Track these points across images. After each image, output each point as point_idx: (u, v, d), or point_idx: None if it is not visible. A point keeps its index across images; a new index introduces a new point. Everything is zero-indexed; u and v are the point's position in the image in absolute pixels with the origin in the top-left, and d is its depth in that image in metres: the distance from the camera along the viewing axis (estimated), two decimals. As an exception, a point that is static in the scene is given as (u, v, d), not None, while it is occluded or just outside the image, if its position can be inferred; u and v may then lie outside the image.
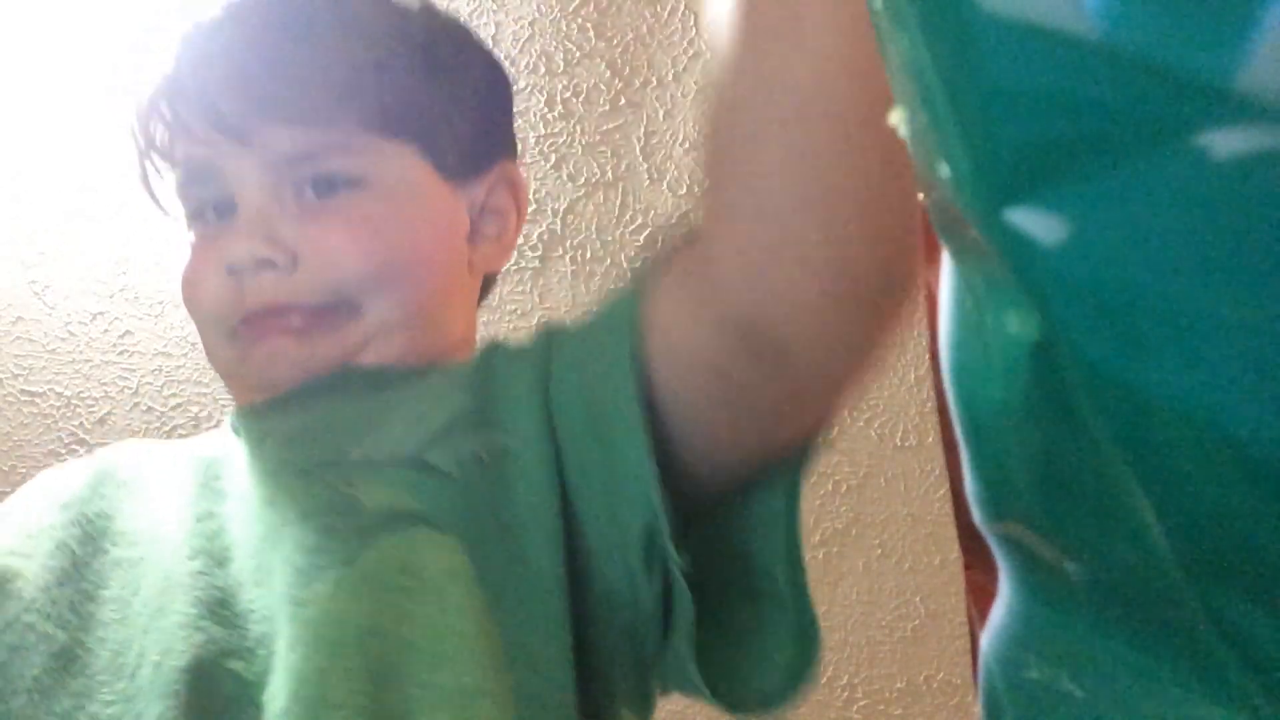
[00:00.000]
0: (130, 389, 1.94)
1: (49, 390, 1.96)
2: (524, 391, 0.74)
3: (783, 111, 0.63)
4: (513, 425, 0.74)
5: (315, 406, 0.83)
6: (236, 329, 0.86)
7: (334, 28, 0.86)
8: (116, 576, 0.76)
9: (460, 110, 0.90)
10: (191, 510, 0.79)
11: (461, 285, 0.92)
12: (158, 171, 0.91)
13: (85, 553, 0.79)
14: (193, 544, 0.76)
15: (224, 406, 1.92)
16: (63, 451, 1.95)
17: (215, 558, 0.75)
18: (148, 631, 0.71)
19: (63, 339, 1.96)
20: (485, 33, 1.92)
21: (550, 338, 0.78)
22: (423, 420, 0.76)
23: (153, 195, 0.93)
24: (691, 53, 1.89)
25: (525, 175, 0.98)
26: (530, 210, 1.91)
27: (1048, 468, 0.43)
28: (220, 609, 0.70)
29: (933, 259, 0.47)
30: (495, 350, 0.80)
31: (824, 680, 1.85)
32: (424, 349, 0.87)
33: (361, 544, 0.70)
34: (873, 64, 0.44)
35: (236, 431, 0.86)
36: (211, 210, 0.88)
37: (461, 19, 0.99)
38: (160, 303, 1.95)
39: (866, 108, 0.59)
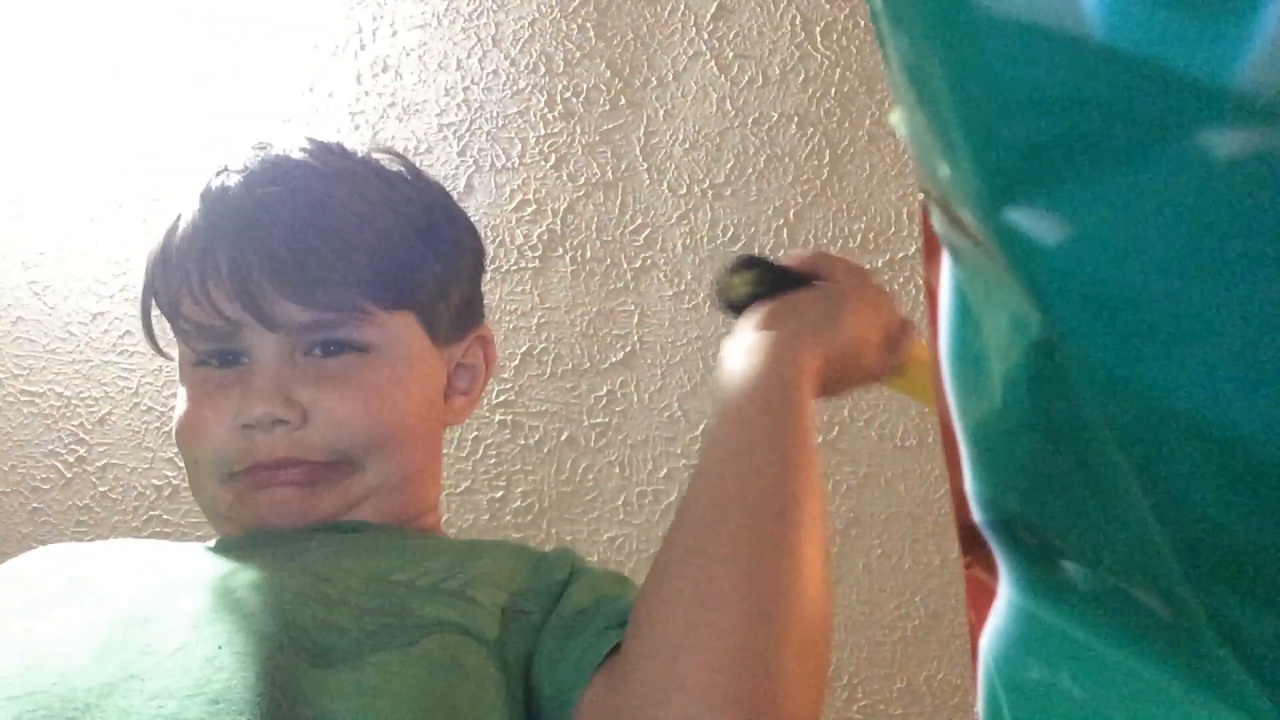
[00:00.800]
0: (130, 389, 1.94)
1: (49, 390, 1.96)
2: (543, 597, 0.86)
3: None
4: (533, 605, 0.84)
5: (330, 542, 0.89)
6: (238, 474, 0.92)
7: (348, 212, 0.92)
8: None
9: (454, 281, 0.97)
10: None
11: (438, 441, 0.99)
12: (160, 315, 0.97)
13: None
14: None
15: (224, 406, 1.93)
16: (63, 451, 1.95)
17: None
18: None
19: (63, 339, 1.96)
20: (485, 33, 1.93)
21: (570, 583, 0.89)
22: (466, 565, 0.84)
23: (152, 337, 0.98)
24: (691, 53, 1.89)
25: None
26: (530, 210, 1.91)
27: (1048, 467, 0.43)
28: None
29: (933, 259, 0.47)
30: (539, 556, 0.90)
31: (824, 680, 1.86)
32: (412, 505, 0.95)
33: (420, 635, 0.79)
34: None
35: (222, 552, 0.91)
36: (215, 358, 0.93)
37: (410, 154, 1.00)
38: (160, 303, 1.95)
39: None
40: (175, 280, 0.93)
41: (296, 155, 0.94)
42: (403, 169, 0.99)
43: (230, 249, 0.90)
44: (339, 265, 0.90)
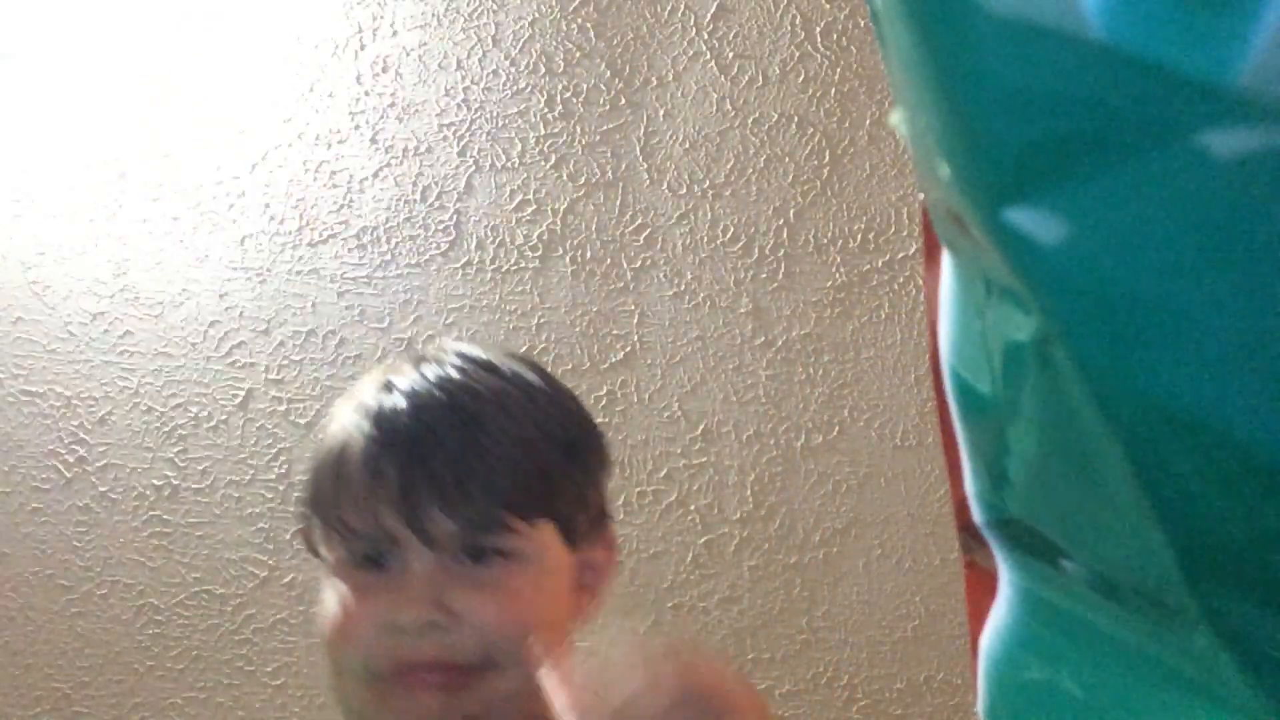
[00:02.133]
0: (130, 389, 1.94)
1: (49, 390, 1.96)
2: None
3: None
4: None
5: None
6: (383, 675, 0.96)
7: (501, 433, 0.98)
8: None
9: (590, 489, 1.03)
10: None
11: (567, 640, 1.03)
12: (315, 521, 1.01)
13: None
14: None
15: (223, 406, 1.93)
16: (63, 451, 1.95)
17: None
18: None
19: (63, 339, 1.96)
20: (485, 33, 1.93)
21: None
22: None
23: (309, 536, 1.01)
24: (691, 53, 1.89)
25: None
26: (530, 210, 1.91)
27: (1047, 467, 0.43)
28: None
29: (933, 259, 0.47)
30: None
31: (824, 680, 1.86)
32: (542, 706, 0.97)
33: None
34: None
35: None
36: (364, 559, 0.97)
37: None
38: (160, 303, 1.95)
39: None
40: (342, 490, 0.98)
41: (456, 375, 1.00)
42: (543, 382, 1.05)
43: (399, 471, 0.96)
44: (492, 483, 0.96)
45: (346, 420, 1.00)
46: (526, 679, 0.95)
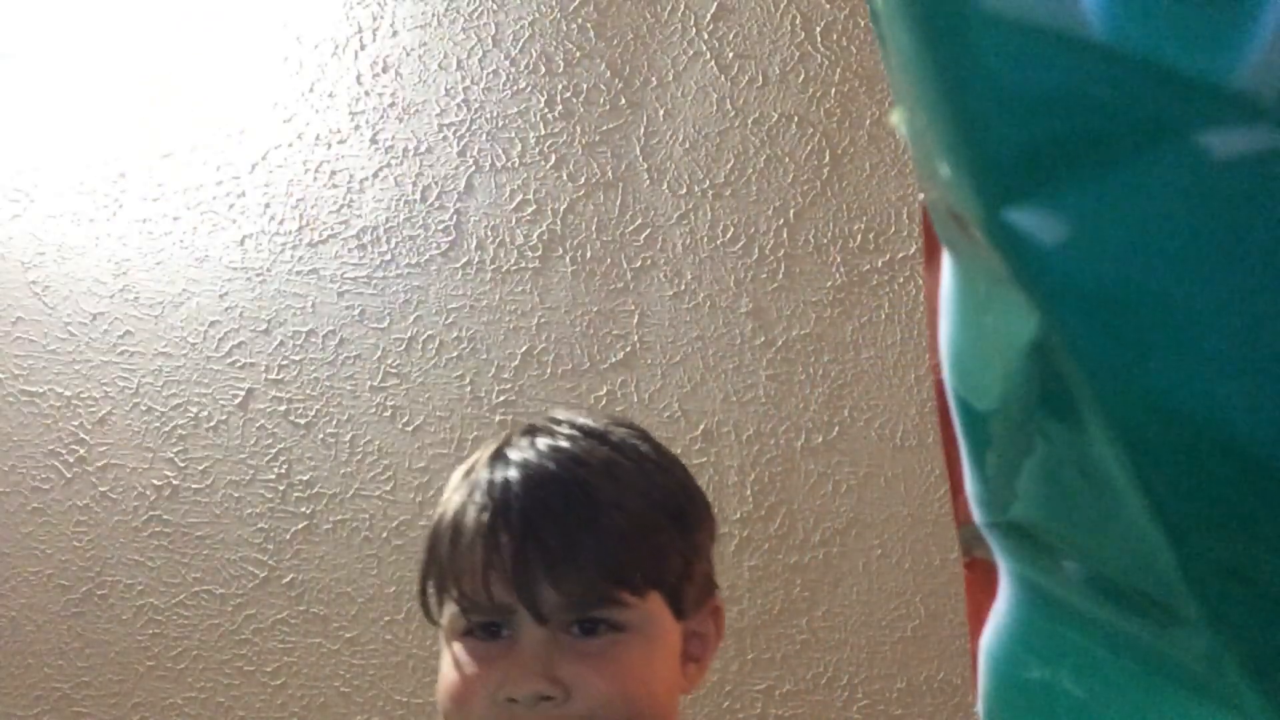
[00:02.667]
0: (130, 389, 1.94)
1: (49, 390, 1.96)
2: None
3: None
4: None
5: None
6: None
7: (611, 506, 1.00)
8: None
9: (697, 559, 1.05)
10: None
11: (675, 712, 1.05)
12: (434, 588, 1.04)
13: None
14: None
15: (223, 406, 1.93)
16: (63, 451, 1.95)
17: None
18: None
19: (63, 339, 1.96)
20: (485, 33, 1.93)
21: None
22: None
23: (427, 607, 1.04)
24: (691, 53, 1.89)
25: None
26: (530, 210, 1.91)
27: (1047, 467, 0.43)
28: None
29: (933, 259, 0.47)
30: None
31: (824, 680, 1.86)
32: None
33: None
34: None
35: None
36: (482, 630, 1.00)
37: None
38: (160, 303, 1.95)
39: None
40: (457, 562, 1.00)
41: (566, 445, 1.02)
42: (651, 450, 1.06)
43: (512, 544, 0.98)
44: (602, 556, 0.99)
45: (461, 492, 1.03)
46: None
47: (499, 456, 1.02)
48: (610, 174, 1.90)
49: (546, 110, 1.91)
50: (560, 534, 0.99)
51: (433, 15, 1.93)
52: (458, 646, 1.01)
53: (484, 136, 1.91)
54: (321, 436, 1.91)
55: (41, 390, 1.96)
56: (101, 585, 1.93)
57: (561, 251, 1.90)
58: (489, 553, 0.99)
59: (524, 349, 1.90)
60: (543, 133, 1.91)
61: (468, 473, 1.03)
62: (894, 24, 0.41)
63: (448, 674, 1.01)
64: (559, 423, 1.05)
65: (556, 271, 1.90)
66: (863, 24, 1.86)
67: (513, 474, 1.01)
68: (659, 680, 1.01)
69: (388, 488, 1.90)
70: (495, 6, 1.92)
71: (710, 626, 1.08)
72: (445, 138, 1.92)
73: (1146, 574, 0.41)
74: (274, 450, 1.92)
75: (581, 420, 1.06)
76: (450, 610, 1.01)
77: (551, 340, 1.90)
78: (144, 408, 1.94)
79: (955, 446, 0.48)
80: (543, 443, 1.03)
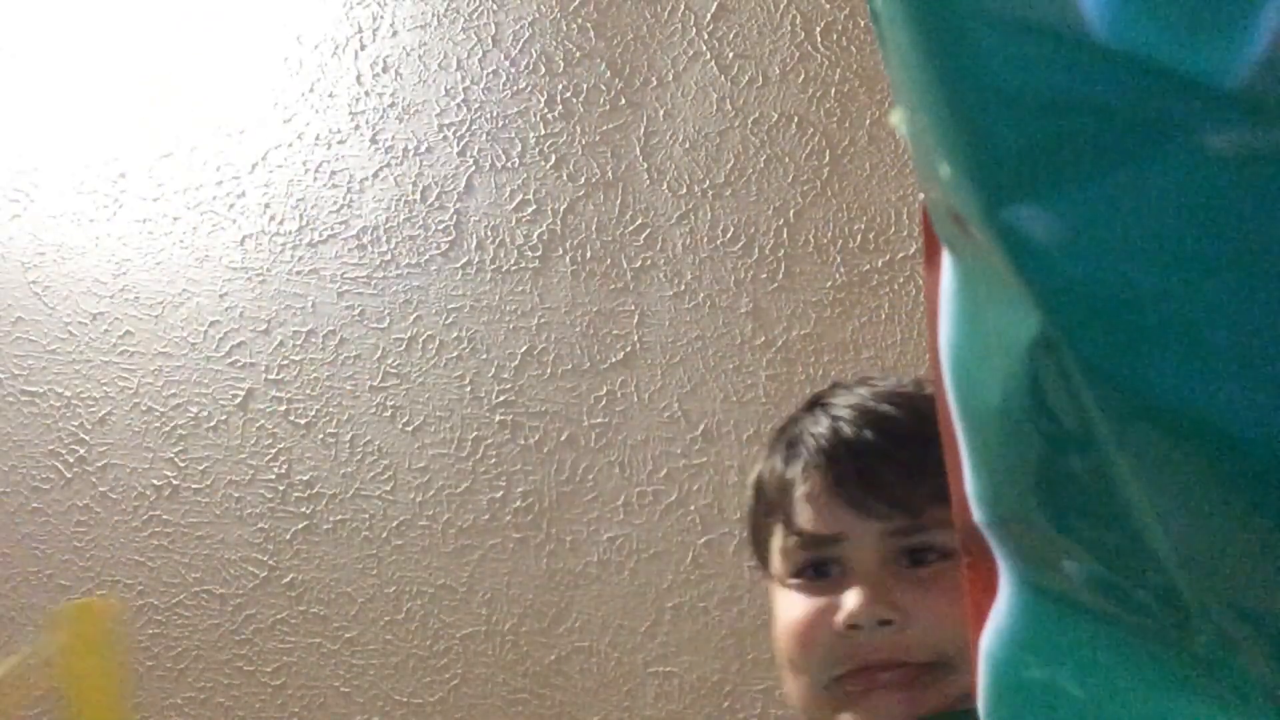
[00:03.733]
0: (130, 389, 1.94)
1: (49, 390, 1.96)
2: None
3: None
4: None
5: None
6: (840, 679, 1.00)
7: (922, 440, 1.02)
8: None
9: None
10: None
11: None
12: (768, 529, 1.07)
13: None
14: None
15: (223, 406, 1.92)
16: (63, 451, 1.95)
17: None
18: None
19: (63, 339, 1.96)
20: (485, 33, 1.92)
21: None
22: None
23: (760, 551, 1.08)
24: (691, 53, 1.89)
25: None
26: (530, 210, 1.91)
27: (1048, 467, 0.43)
28: None
29: (933, 259, 0.47)
30: None
31: (824, 680, 1.86)
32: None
33: None
34: None
35: None
36: (812, 569, 1.02)
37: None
38: (160, 303, 1.95)
39: None
40: (792, 493, 1.04)
41: (888, 389, 1.07)
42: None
43: (847, 468, 1.02)
44: (936, 482, 1.00)
45: (783, 441, 1.07)
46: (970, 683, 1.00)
47: (818, 404, 1.07)
48: (610, 174, 1.90)
49: (546, 110, 1.91)
50: (892, 459, 1.01)
51: (433, 15, 1.93)
52: (791, 589, 1.03)
53: (484, 136, 1.91)
54: (321, 436, 1.91)
55: (41, 390, 1.96)
56: (101, 585, 1.93)
57: (561, 251, 1.90)
58: (823, 478, 1.02)
59: (524, 349, 1.90)
60: (543, 133, 1.91)
61: (782, 430, 1.08)
62: (894, 24, 0.41)
63: (785, 615, 1.03)
64: (869, 379, 1.11)
65: (556, 271, 1.90)
66: (863, 24, 1.86)
67: (840, 412, 1.05)
68: None
69: (388, 488, 1.90)
70: (495, 6, 1.92)
71: None
72: (445, 138, 1.92)
73: (1147, 574, 0.41)
74: (274, 450, 1.92)
75: (884, 383, 1.10)
76: (780, 548, 1.04)
77: (551, 340, 1.90)
78: (144, 408, 1.94)
79: (955, 446, 0.48)
80: (862, 390, 1.07)
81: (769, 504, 1.06)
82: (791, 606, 1.02)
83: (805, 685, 1.02)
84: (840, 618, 0.99)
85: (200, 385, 1.94)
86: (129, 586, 1.92)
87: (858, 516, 1.00)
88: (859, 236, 1.87)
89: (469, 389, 1.90)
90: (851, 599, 0.99)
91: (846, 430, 1.04)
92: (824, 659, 1.00)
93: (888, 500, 1.00)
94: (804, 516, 1.02)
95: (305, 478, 1.91)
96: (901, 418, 1.04)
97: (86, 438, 1.94)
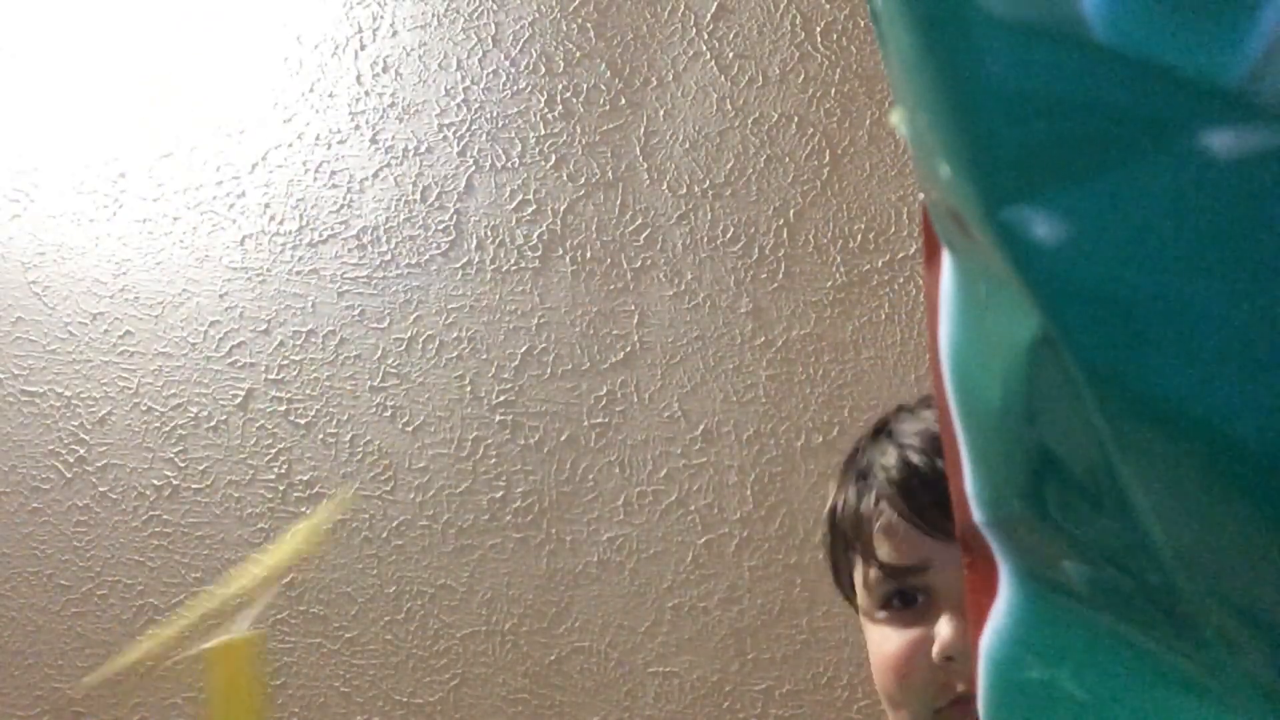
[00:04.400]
0: (130, 389, 1.94)
1: (49, 390, 1.96)
2: None
3: None
4: None
5: None
6: (942, 710, 0.98)
7: None
8: None
9: None
10: None
11: None
12: (848, 563, 1.06)
13: None
14: None
15: (223, 406, 1.92)
16: (63, 451, 1.95)
17: None
18: None
19: (63, 339, 1.96)
20: (485, 33, 1.92)
21: None
22: None
23: (843, 585, 1.07)
24: (691, 53, 1.89)
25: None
26: (530, 210, 1.91)
27: (1047, 467, 0.43)
28: None
29: (933, 259, 0.47)
30: None
31: (824, 680, 1.86)
32: None
33: None
34: None
35: None
36: (897, 599, 1.01)
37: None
38: (160, 303, 1.95)
39: None
40: (870, 527, 1.03)
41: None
42: None
43: (924, 496, 1.00)
44: None
45: (853, 473, 1.06)
46: None
47: (883, 432, 1.06)
48: (610, 174, 1.90)
49: (546, 110, 1.91)
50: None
51: (433, 15, 1.93)
52: (881, 621, 1.02)
53: (484, 136, 1.91)
54: (321, 436, 1.91)
55: (41, 390, 1.96)
56: (101, 585, 1.93)
57: (561, 251, 1.90)
58: (898, 509, 1.00)
59: (524, 349, 1.90)
60: (543, 133, 1.91)
61: (850, 461, 1.07)
62: (894, 24, 0.41)
63: (879, 650, 1.02)
64: (930, 399, 1.09)
65: (556, 271, 1.90)
66: (863, 24, 1.86)
67: (908, 440, 1.03)
68: None
69: (388, 488, 1.90)
70: (495, 6, 1.92)
71: None
72: (445, 138, 1.92)
73: (1147, 574, 0.41)
74: (274, 450, 1.92)
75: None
76: (863, 582, 1.03)
77: (551, 340, 1.89)
78: (144, 408, 1.94)
79: (955, 446, 0.48)
80: (927, 413, 1.06)
81: (846, 539, 1.05)
82: (884, 640, 1.01)
83: (907, 718, 1.01)
84: (936, 649, 0.97)
85: (200, 385, 1.94)
86: (129, 586, 1.92)
87: (938, 543, 0.98)
88: (859, 236, 1.87)
89: (469, 389, 1.90)
90: (945, 629, 0.97)
91: (915, 459, 1.02)
92: (923, 692, 0.99)
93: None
94: (884, 550, 1.01)
95: (305, 478, 1.91)
96: None
97: (86, 438, 1.94)
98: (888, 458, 1.03)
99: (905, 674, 0.99)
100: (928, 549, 0.99)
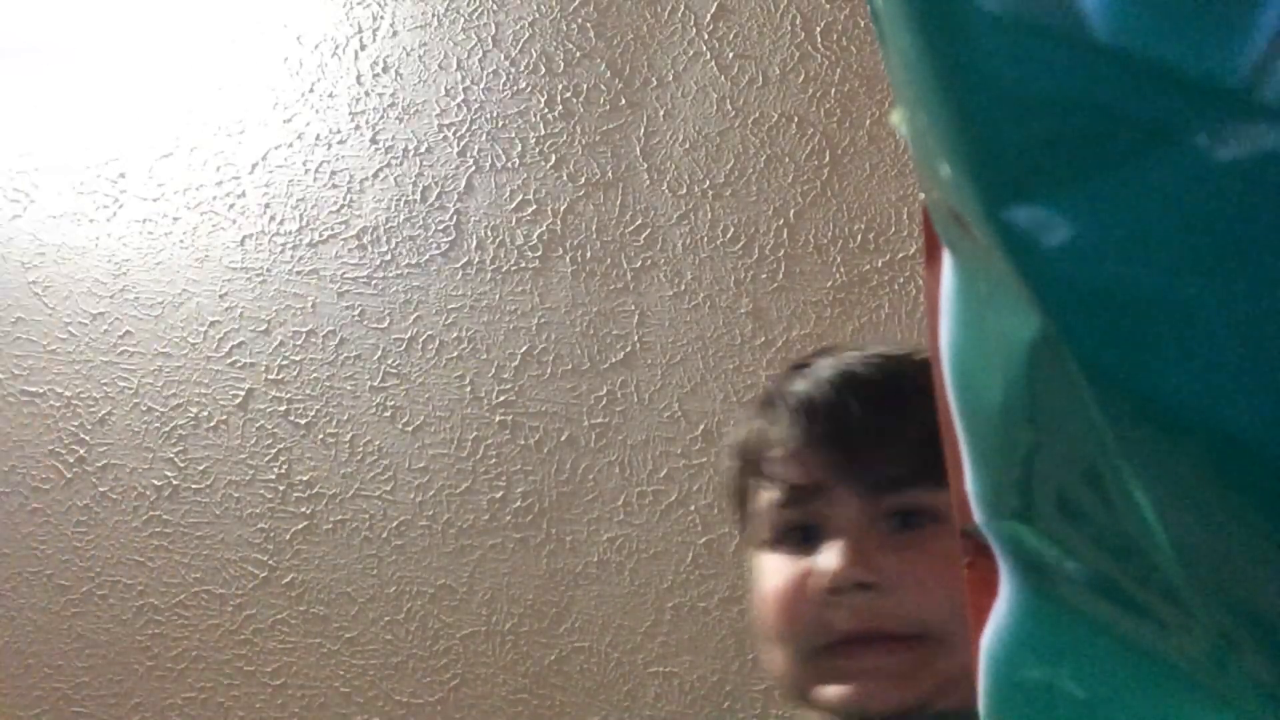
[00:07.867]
0: (130, 389, 1.94)
1: (49, 390, 1.96)
2: None
3: None
4: None
5: None
6: (821, 650, 0.94)
7: (920, 396, 1.01)
8: None
9: None
10: None
11: None
12: (751, 491, 1.02)
13: None
14: None
15: (223, 406, 1.92)
16: (63, 451, 1.95)
17: None
18: None
19: (63, 339, 1.96)
20: (485, 33, 1.92)
21: None
22: None
23: (741, 516, 1.03)
24: (691, 53, 1.89)
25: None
26: (530, 210, 1.91)
27: (1048, 466, 0.43)
28: None
29: (933, 259, 0.47)
30: None
31: (824, 680, 1.86)
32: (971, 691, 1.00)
33: None
34: None
35: None
36: (799, 533, 0.97)
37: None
38: (160, 303, 1.95)
39: None
40: (772, 448, 1.00)
41: (867, 353, 1.03)
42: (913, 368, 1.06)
43: (830, 418, 0.97)
44: (920, 436, 0.95)
45: (761, 402, 1.04)
46: (966, 663, 0.93)
47: (796, 371, 1.04)
48: (610, 174, 1.90)
49: (546, 110, 1.91)
50: (875, 412, 0.96)
51: (433, 15, 1.93)
52: (771, 557, 0.98)
53: (484, 136, 1.91)
54: (321, 436, 1.91)
55: (41, 390, 1.96)
56: (101, 585, 1.93)
57: (561, 251, 1.90)
58: (802, 434, 0.98)
59: (524, 349, 1.90)
60: (543, 133, 1.91)
61: (763, 395, 1.05)
62: (894, 24, 0.41)
63: (765, 585, 0.98)
64: (858, 345, 1.07)
65: (556, 271, 1.90)
66: (863, 24, 1.86)
67: (821, 373, 1.01)
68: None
69: (388, 488, 1.90)
70: (495, 6, 1.92)
71: None
72: (445, 138, 1.92)
73: (1148, 574, 0.41)
74: (274, 450, 1.92)
75: (866, 351, 1.06)
76: (761, 509, 0.99)
77: (551, 340, 1.89)
78: (144, 408, 1.94)
79: (956, 446, 0.48)
80: (847, 354, 1.03)
81: (748, 462, 1.02)
82: (775, 573, 0.97)
83: (786, 657, 0.96)
84: (825, 580, 0.93)
85: (200, 385, 1.94)
86: (129, 586, 1.92)
87: (838, 470, 0.95)
88: (859, 236, 1.87)
89: (469, 389, 1.90)
90: (829, 559, 0.93)
91: (823, 388, 1.00)
92: (805, 628, 0.94)
93: (867, 455, 0.95)
94: (784, 472, 0.98)
95: (305, 478, 1.91)
96: (880, 379, 0.99)
97: (86, 438, 1.94)
98: (796, 386, 1.01)
99: (787, 608, 0.95)
100: (826, 474, 0.96)
